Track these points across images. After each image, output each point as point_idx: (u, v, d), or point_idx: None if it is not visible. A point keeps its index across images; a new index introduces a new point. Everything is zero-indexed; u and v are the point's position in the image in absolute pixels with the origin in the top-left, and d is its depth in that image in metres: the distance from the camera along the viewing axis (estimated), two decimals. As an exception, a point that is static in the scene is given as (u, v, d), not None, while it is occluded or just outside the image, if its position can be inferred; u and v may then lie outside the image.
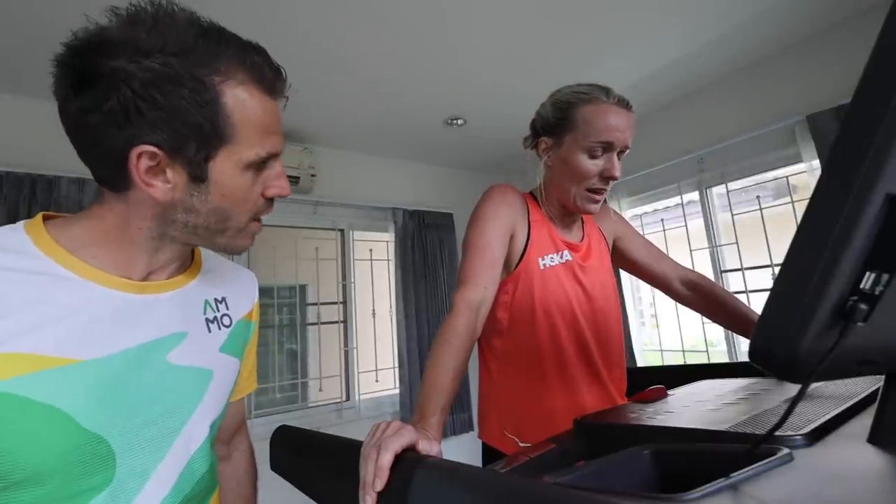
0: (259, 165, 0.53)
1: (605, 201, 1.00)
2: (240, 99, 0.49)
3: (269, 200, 0.57)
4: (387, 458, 0.49)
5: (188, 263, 0.63)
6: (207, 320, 0.62)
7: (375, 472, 0.49)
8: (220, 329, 0.63)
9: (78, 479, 0.48)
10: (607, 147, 0.89)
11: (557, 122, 0.94)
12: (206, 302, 0.63)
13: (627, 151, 0.92)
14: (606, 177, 0.91)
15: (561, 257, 0.98)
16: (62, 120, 0.50)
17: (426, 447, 0.54)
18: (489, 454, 0.99)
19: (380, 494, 0.49)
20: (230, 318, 0.65)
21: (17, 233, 0.49)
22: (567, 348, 0.95)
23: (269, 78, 0.52)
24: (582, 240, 1.05)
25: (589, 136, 0.89)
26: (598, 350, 0.98)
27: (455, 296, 0.82)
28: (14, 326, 0.45)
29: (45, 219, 0.52)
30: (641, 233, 2.76)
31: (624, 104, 0.90)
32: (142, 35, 0.45)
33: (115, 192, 0.51)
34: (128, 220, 0.52)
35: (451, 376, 0.71)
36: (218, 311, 0.64)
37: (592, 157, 0.90)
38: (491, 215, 0.92)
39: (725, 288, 2.31)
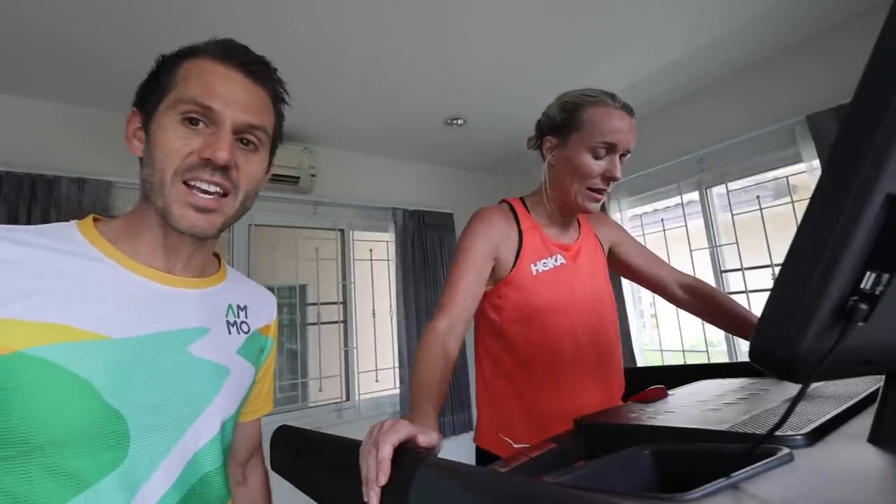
0: (194, 120, 0.56)
1: (602, 207, 1.01)
2: (189, 64, 0.58)
3: (204, 162, 0.55)
4: (387, 451, 0.49)
5: (213, 270, 0.68)
6: (228, 322, 0.66)
7: (377, 467, 0.48)
8: (238, 333, 0.67)
9: (91, 452, 0.49)
10: (610, 148, 0.92)
11: (564, 122, 0.97)
12: (230, 306, 0.67)
13: (629, 155, 0.95)
14: (608, 177, 0.93)
15: (555, 261, 0.99)
16: None
17: (425, 439, 0.53)
18: (482, 457, 0.99)
19: (381, 494, 0.49)
20: (248, 326, 0.69)
21: (69, 225, 0.57)
22: (560, 349, 0.96)
23: (218, 48, 0.59)
24: (576, 240, 1.06)
25: (594, 137, 0.92)
26: (592, 351, 0.98)
27: (429, 323, 0.86)
28: (54, 299, 0.49)
29: (95, 220, 0.60)
30: (641, 233, 2.79)
31: (627, 110, 0.94)
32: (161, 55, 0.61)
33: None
34: (139, 200, 0.60)
35: (435, 383, 0.74)
36: (238, 316, 0.68)
37: (596, 157, 0.93)
38: (467, 247, 0.95)
39: (725, 288, 2.33)
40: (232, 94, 0.57)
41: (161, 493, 0.54)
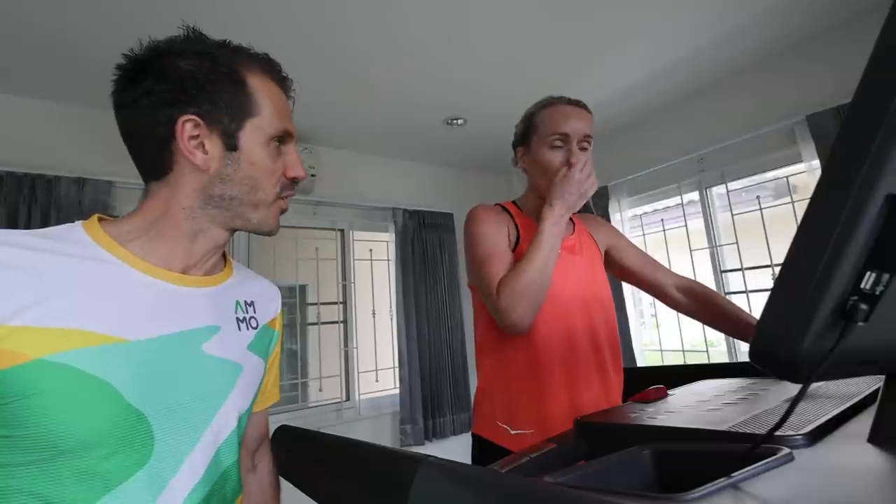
0: (279, 142, 0.62)
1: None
2: (259, 82, 0.60)
3: (291, 181, 0.65)
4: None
5: (222, 267, 0.69)
6: (238, 319, 0.67)
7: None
8: (248, 329, 0.68)
9: (117, 453, 0.50)
10: (564, 138, 1.00)
11: (524, 130, 1.08)
12: (238, 302, 0.68)
13: (591, 143, 1.02)
14: (570, 166, 0.99)
15: None
16: (118, 117, 0.59)
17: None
18: (480, 445, 1.01)
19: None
20: (257, 321, 0.71)
21: (74, 226, 0.56)
22: (558, 340, 0.97)
23: (278, 72, 0.63)
24: (571, 235, 1.09)
25: (547, 132, 1.01)
26: (590, 344, 1.00)
27: (495, 291, 0.92)
28: (68, 304, 0.50)
29: (100, 220, 0.59)
30: (641, 233, 2.79)
31: (575, 103, 1.03)
32: (180, 43, 0.58)
33: (158, 179, 0.59)
34: (169, 205, 0.59)
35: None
36: (247, 312, 0.69)
37: (553, 148, 1.01)
38: (484, 225, 1.01)
39: (725, 288, 2.34)
40: (292, 118, 0.65)
41: (189, 489, 0.55)
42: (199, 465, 0.57)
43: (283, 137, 0.62)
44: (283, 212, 0.66)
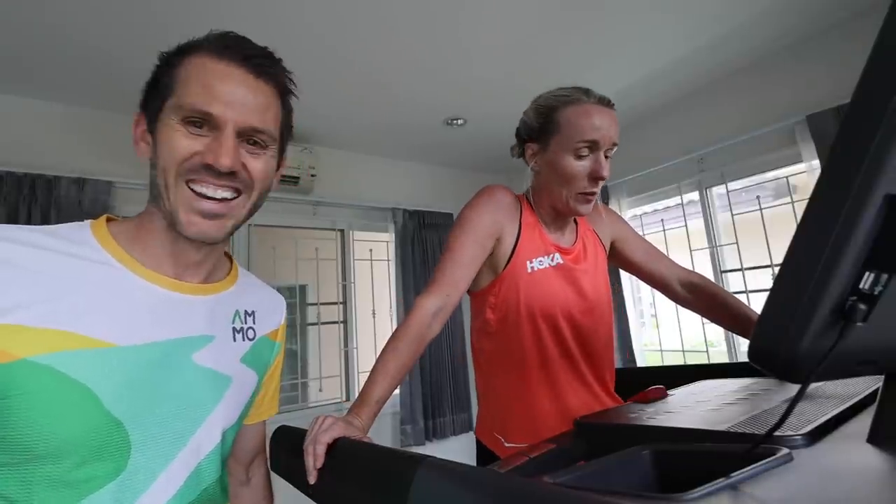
0: (196, 123, 0.53)
1: (599, 203, 1.01)
2: (193, 61, 0.55)
3: (206, 168, 0.53)
4: (321, 449, 0.59)
5: (223, 273, 0.66)
6: (234, 329, 0.64)
7: (314, 464, 0.59)
8: (244, 340, 0.66)
9: (91, 461, 0.49)
10: (593, 146, 0.89)
11: (542, 126, 0.95)
12: (237, 312, 0.66)
13: (615, 149, 0.91)
14: (595, 177, 0.90)
15: (551, 260, 0.97)
16: None
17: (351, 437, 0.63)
18: (480, 450, 1.00)
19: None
20: (254, 332, 0.68)
21: (81, 226, 0.56)
22: (552, 350, 0.95)
23: (217, 43, 0.56)
24: (574, 243, 1.03)
25: (573, 138, 0.89)
26: (584, 352, 0.97)
27: (418, 298, 0.85)
28: (63, 305, 0.49)
29: (109, 220, 0.59)
30: (641, 233, 2.78)
31: (605, 103, 0.91)
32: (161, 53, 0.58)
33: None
34: (149, 203, 0.58)
35: (390, 373, 0.77)
36: (245, 322, 0.67)
37: (579, 157, 0.90)
38: (472, 218, 0.93)
39: (725, 288, 2.32)
40: (232, 96, 0.53)
41: (161, 503, 0.53)
42: (176, 480, 0.55)
43: (201, 119, 0.53)
44: (203, 213, 0.54)
